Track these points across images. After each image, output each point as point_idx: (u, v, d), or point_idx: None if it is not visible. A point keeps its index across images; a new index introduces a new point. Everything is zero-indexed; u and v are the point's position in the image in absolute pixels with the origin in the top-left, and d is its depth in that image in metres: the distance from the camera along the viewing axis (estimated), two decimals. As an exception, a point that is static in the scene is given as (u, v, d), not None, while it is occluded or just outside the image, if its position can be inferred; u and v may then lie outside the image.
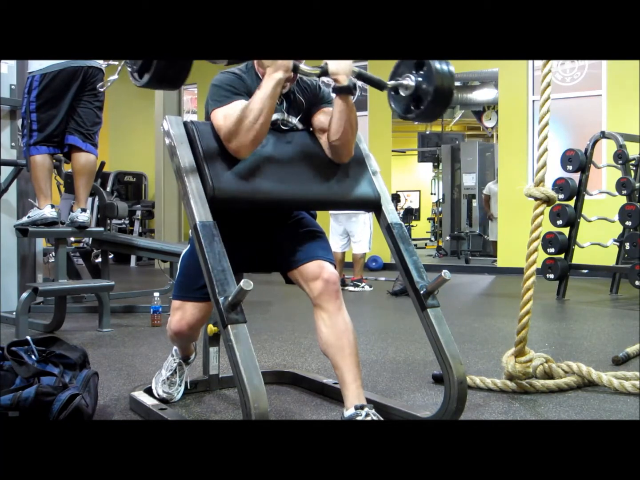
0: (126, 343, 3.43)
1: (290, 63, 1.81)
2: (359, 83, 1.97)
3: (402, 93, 2.00)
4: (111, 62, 1.99)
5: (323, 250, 1.98)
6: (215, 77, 1.93)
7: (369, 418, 1.78)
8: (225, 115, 1.82)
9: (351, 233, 5.94)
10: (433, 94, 1.89)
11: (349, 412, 1.82)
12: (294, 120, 2.00)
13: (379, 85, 1.99)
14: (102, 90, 3.45)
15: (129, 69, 1.65)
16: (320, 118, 2.00)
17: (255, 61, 1.96)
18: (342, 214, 5.88)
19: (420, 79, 1.94)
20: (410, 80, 1.96)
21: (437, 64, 1.88)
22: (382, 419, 1.83)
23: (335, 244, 5.83)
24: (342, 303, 1.91)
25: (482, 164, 10.59)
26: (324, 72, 1.88)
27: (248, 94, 1.87)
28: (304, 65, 1.86)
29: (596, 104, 7.39)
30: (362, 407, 1.81)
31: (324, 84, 2.09)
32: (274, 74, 1.78)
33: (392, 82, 2.00)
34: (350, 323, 1.91)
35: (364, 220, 5.87)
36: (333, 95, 1.93)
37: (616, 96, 7.16)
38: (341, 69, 1.85)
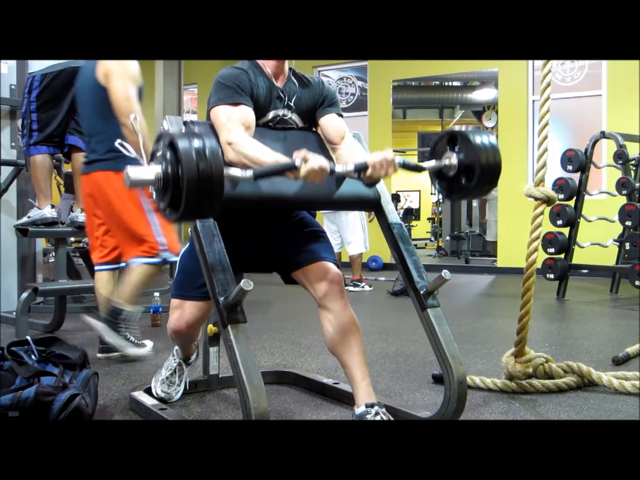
0: (126, 343, 3.43)
1: (324, 171, 1.61)
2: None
3: (445, 173, 1.81)
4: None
5: (326, 250, 1.98)
6: (220, 73, 1.88)
7: (378, 417, 1.79)
8: (228, 118, 1.79)
9: (341, 232, 5.92)
10: (479, 171, 1.71)
11: (359, 409, 1.83)
12: (295, 118, 1.98)
13: (418, 169, 1.84)
14: None
15: (161, 209, 1.46)
16: (328, 129, 1.97)
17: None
18: (329, 212, 5.85)
19: (462, 156, 1.75)
20: (453, 159, 1.77)
21: (477, 139, 1.72)
22: (391, 418, 1.83)
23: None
24: (347, 302, 1.91)
25: (482, 164, 10.56)
26: (361, 169, 1.71)
27: (251, 93, 1.85)
28: (338, 167, 1.69)
29: (596, 104, 7.39)
30: (372, 406, 1.81)
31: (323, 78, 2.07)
32: (301, 175, 1.60)
33: (432, 165, 1.81)
34: (357, 322, 1.91)
35: (354, 218, 5.83)
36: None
37: (616, 96, 7.16)
38: (383, 174, 1.70)
